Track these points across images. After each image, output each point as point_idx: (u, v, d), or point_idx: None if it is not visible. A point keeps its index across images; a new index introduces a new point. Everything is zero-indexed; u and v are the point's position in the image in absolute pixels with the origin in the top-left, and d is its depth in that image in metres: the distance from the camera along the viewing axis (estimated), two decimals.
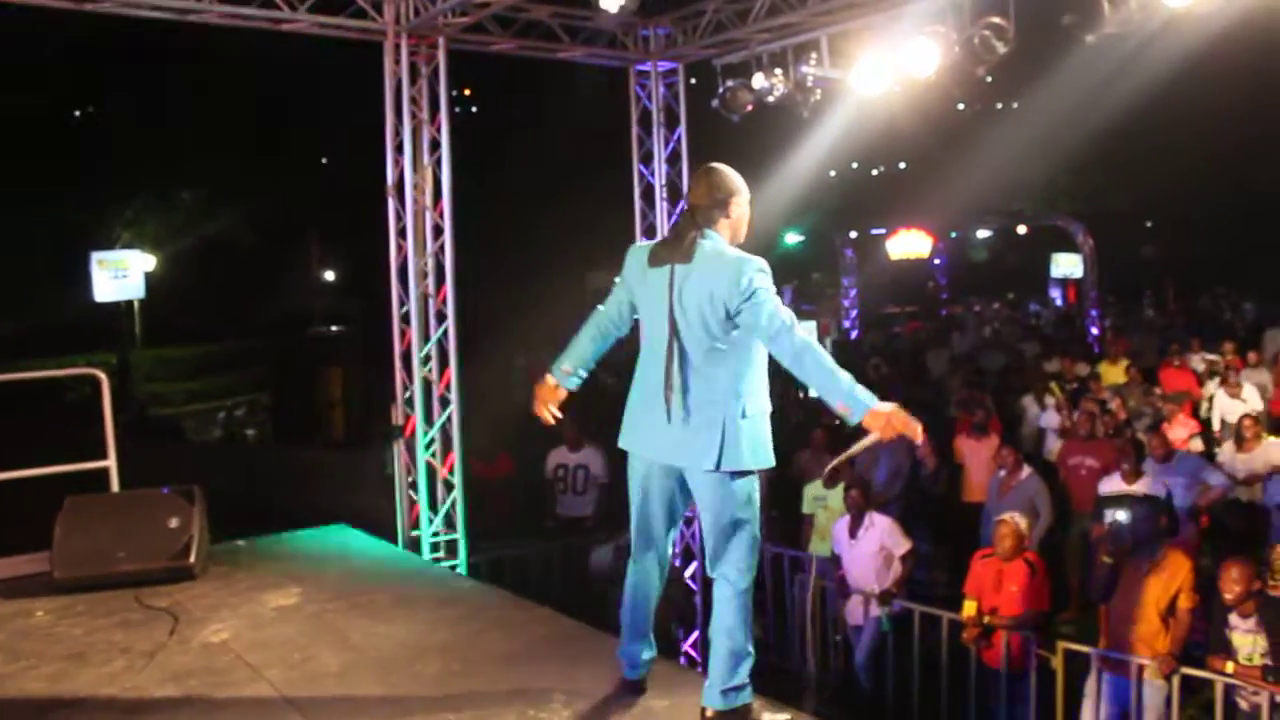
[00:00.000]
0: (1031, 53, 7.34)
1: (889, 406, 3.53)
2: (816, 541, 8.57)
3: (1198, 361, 13.88)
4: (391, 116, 7.98)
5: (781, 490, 9.55)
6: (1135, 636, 6.10)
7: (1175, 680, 5.98)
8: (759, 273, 3.71)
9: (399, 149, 7.99)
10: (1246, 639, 5.85)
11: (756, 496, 3.88)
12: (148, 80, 25.83)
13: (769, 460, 3.80)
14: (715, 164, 3.97)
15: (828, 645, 7.97)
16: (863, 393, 3.55)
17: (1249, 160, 25.33)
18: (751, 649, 3.90)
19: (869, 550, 7.50)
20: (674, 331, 3.82)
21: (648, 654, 4.31)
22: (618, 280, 4.19)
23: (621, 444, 4.17)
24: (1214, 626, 6.01)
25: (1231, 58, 15.13)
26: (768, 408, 3.84)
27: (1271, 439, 9.69)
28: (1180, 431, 10.08)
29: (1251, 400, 11.26)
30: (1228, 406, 11.31)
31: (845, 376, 3.56)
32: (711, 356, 3.77)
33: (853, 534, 7.57)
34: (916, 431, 3.53)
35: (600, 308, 4.31)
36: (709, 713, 3.87)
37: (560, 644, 5.11)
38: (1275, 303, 21.61)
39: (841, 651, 7.86)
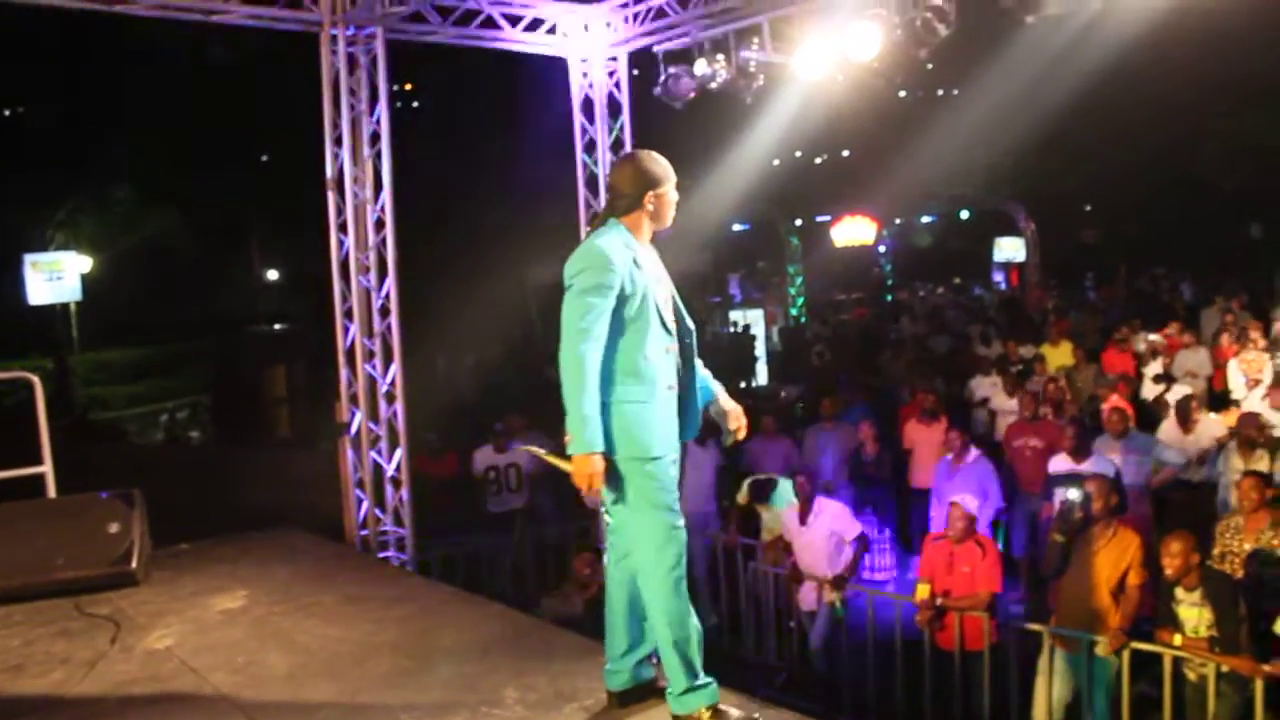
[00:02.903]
0: (972, 38, 7.37)
1: (595, 465, 3.60)
2: (766, 529, 8.58)
3: (1139, 342, 14.07)
4: (330, 109, 7.84)
5: (731, 477, 9.56)
6: (1087, 613, 6.15)
7: (1125, 655, 6.03)
8: (583, 269, 3.69)
9: (338, 142, 7.85)
10: (1192, 612, 5.92)
11: (649, 486, 3.75)
12: (76, 78, 25.29)
13: (638, 449, 3.71)
14: (638, 151, 3.98)
15: (782, 631, 7.97)
16: (592, 435, 3.59)
17: (1186, 145, 25.76)
18: (685, 633, 3.76)
19: (820, 536, 7.50)
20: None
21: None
22: None
23: None
24: (1161, 601, 6.08)
25: (1172, 44, 15.34)
26: (639, 397, 3.73)
27: (1211, 416, 9.85)
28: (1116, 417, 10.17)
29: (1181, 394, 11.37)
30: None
31: (589, 405, 3.58)
32: None
33: (803, 520, 7.57)
34: (585, 497, 3.61)
35: None
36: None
37: (512, 639, 5.06)
38: (1211, 283, 22.00)
39: (796, 637, 7.86)
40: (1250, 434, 7.98)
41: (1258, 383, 10.96)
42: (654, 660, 4.01)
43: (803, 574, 7.59)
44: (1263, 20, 16.09)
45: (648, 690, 4.06)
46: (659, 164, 3.91)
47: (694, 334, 4.01)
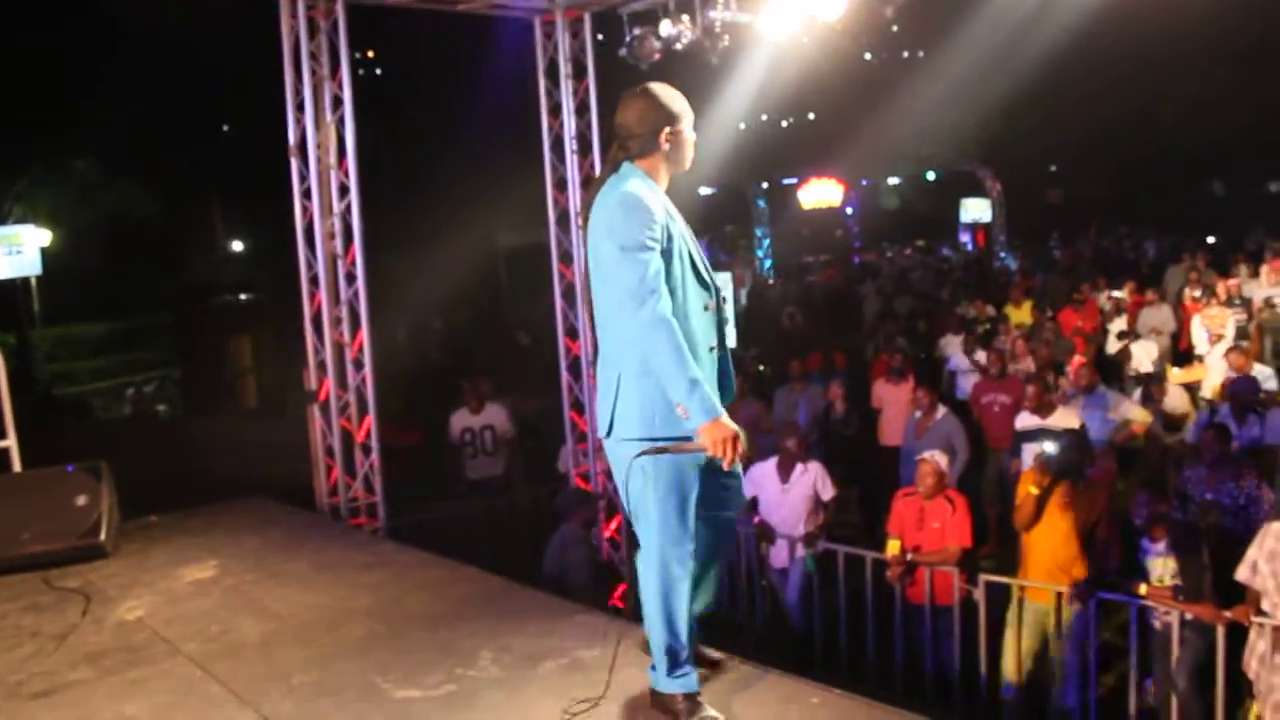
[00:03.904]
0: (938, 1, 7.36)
1: (728, 426, 3.21)
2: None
3: (1104, 300, 14.21)
4: (291, 74, 7.71)
5: None
6: (1055, 565, 6.24)
7: (1092, 605, 6.13)
8: (621, 222, 3.29)
9: (300, 108, 7.73)
10: (1158, 562, 6.03)
11: (669, 476, 3.39)
12: (30, 50, 24.79)
13: (678, 427, 3.30)
14: (648, 85, 3.54)
15: (754, 590, 8.03)
16: (706, 399, 3.21)
17: (1149, 105, 25.89)
18: (677, 638, 3.53)
19: (801, 495, 7.54)
20: (587, 282, 3.52)
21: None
22: None
23: None
24: (1127, 551, 6.18)
25: (1140, 8, 15.39)
26: None
27: (1175, 370, 9.99)
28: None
29: (1147, 348, 11.50)
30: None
31: (692, 369, 3.21)
32: (613, 309, 3.39)
33: (784, 479, 7.60)
34: (730, 460, 3.23)
35: None
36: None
37: (486, 601, 5.07)
38: (1175, 241, 22.20)
39: (767, 595, 7.92)
40: (1245, 398, 8.08)
41: (1220, 338, 11.12)
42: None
43: (774, 532, 7.63)
44: None
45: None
46: (673, 98, 3.52)
47: (719, 292, 3.61)
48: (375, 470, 7.88)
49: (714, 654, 3.97)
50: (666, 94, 3.51)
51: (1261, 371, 9.22)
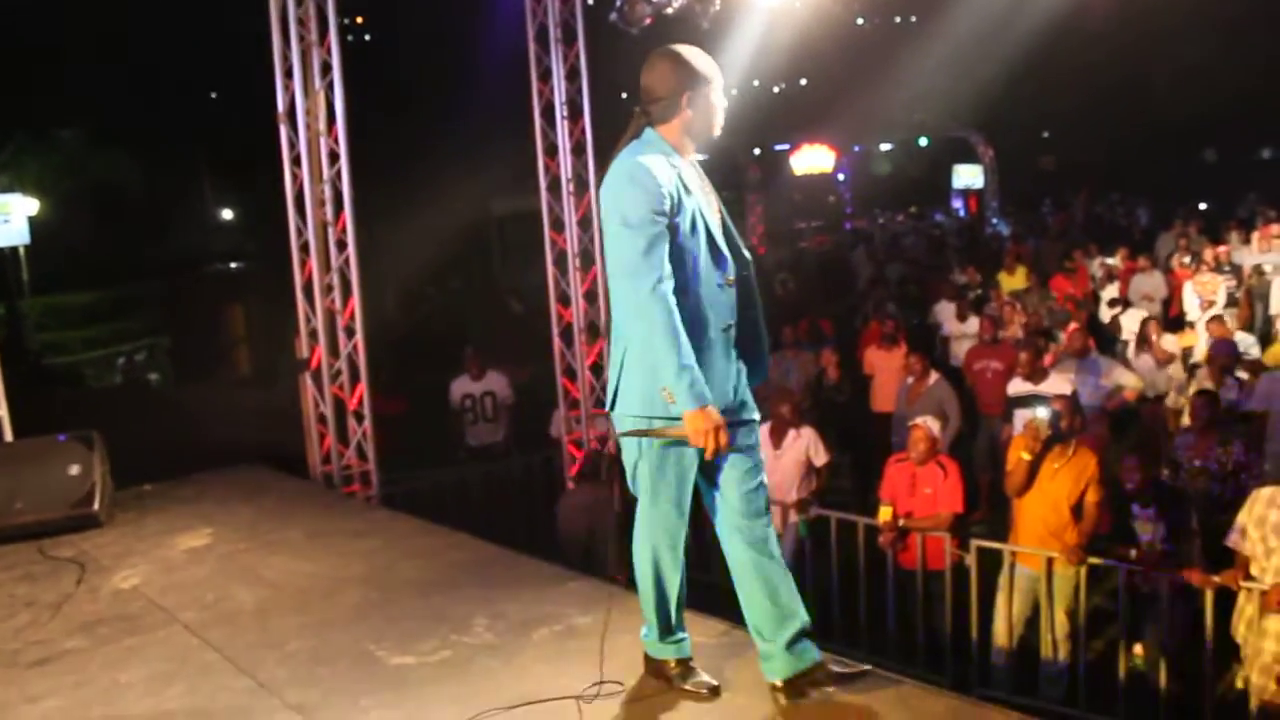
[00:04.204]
0: None
1: (712, 417, 3.10)
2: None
3: (1095, 267, 14.22)
4: (279, 40, 7.65)
5: None
6: (1047, 530, 6.27)
7: (1083, 570, 6.17)
8: (625, 193, 3.15)
9: (288, 74, 7.67)
10: (1147, 527, 6.06)
11: (664, 454, 3.31)
12: (14, 15, 24.52)
13: (671, 411, 3.18)
14: (674, 46, 3.35)
15: None
16: (693, 387, 3.09)
17: (1141, 72, 25.80)
18: (666, 604, 3.55)
19: (794, 461, 7.55)
20: (602, 253, 3.46)
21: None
22: None
23: None
24: (1117, 516, 6.21)
25: None
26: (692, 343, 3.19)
27: (1168, 337, 9.99)
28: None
29: (1138, 316, 11.51)
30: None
31: (683, 355, 3.08)
32: (613, 279, 3.27)
33: (777, 445, 7.61)
34: (711, 451, 3.14)
35: None
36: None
37: (479, 568, 5.09)
38: (1167, 207, 22.17)
39: None
40: (1223, 363, 8.09)
41: (1212, 304, 11.13)
42: (811, 633, 3.53)
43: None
44: None
45: (819, 675, 3.47)
46: (700, 59, 3.32)
47: (751, 265, 3.45)
48: (368, 438, 7.89)
49: (851, 667, 3.63)
50: (692, 55, 3.32)
51: (1244, 339, 9.23)
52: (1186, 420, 7.91)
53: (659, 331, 3.08)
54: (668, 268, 3.12)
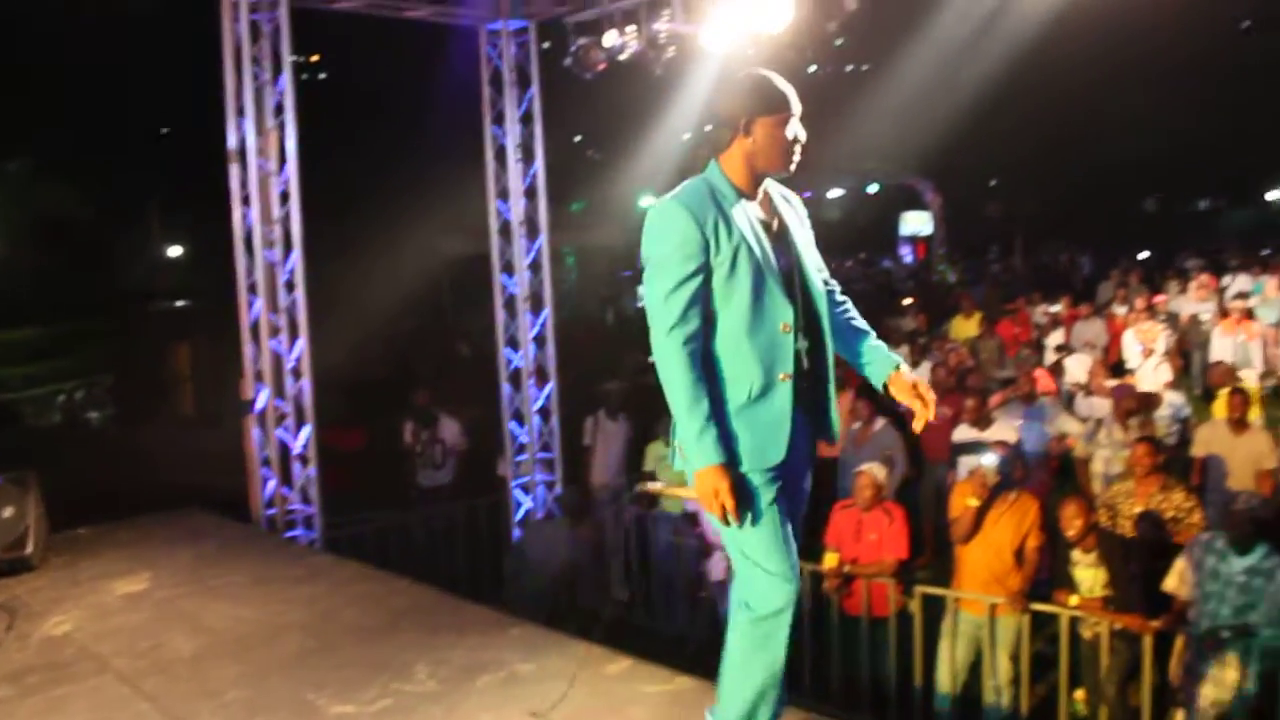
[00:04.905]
0: (882, 14, 7.45)
1: (724, 478, 2.88)
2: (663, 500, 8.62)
3: (1039, 314, 14.45)
4: (232, 78, 7.63)
5: (642, 450, 9.60)
6: (990, 576, 6.31)
7: (1025, 616, 6.22)
8: (655, 236, 2.94)
9: (240, 112, 7.66)
10: (1088, 573, 6.12)
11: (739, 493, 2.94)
12: None
13: (703, 460, 2.90)
14: (754, 70, 3.08)
15: (693, 603, 8.04)
16: (707, 443, 2.88)
17: (1088, 123, 26.39)
18: (758, 704, 3.25)
19: None
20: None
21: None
22: None
23: None
24: (1058, 563, 6.27)
25: (1075, 23, 15.70)
26: (737, 394, 2.96)
27: (1110, 384, 10.14)
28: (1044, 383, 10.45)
29: (1081, 361, 11.69)
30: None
31: (699, 410, 2.88)
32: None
33: None
34: (718, 515, 2.93)
35: None
36: None
37: (422, 614, 5.04)
38: (1110, 257, 22.64)
39: (707, 607, 7.93)
40: (1127, 405, 8.23)
41: (1152, 352, 11.32)
42: None
43: (711, 544, 7.65)
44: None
45: None
46: (770, 85, 3.03)
47: (833, 301, 3.18)
48: (313, 481, 7.80)
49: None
50: (763, 80, 3.04)
51: (1174, 399, 9.33)
52: (1098, 467, 8.03)
53: (671, 380, 2.90)
54: (693, 314, 2.90)
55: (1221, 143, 26.74)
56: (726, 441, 2.91)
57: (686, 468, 2.98)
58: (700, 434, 2.88)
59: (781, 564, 3.02)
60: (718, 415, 2.91)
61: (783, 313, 2.97)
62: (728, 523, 2.93)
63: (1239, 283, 14.70)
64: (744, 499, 2.93)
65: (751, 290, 2.93)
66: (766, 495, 2.98)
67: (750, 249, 2.94)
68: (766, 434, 2.96)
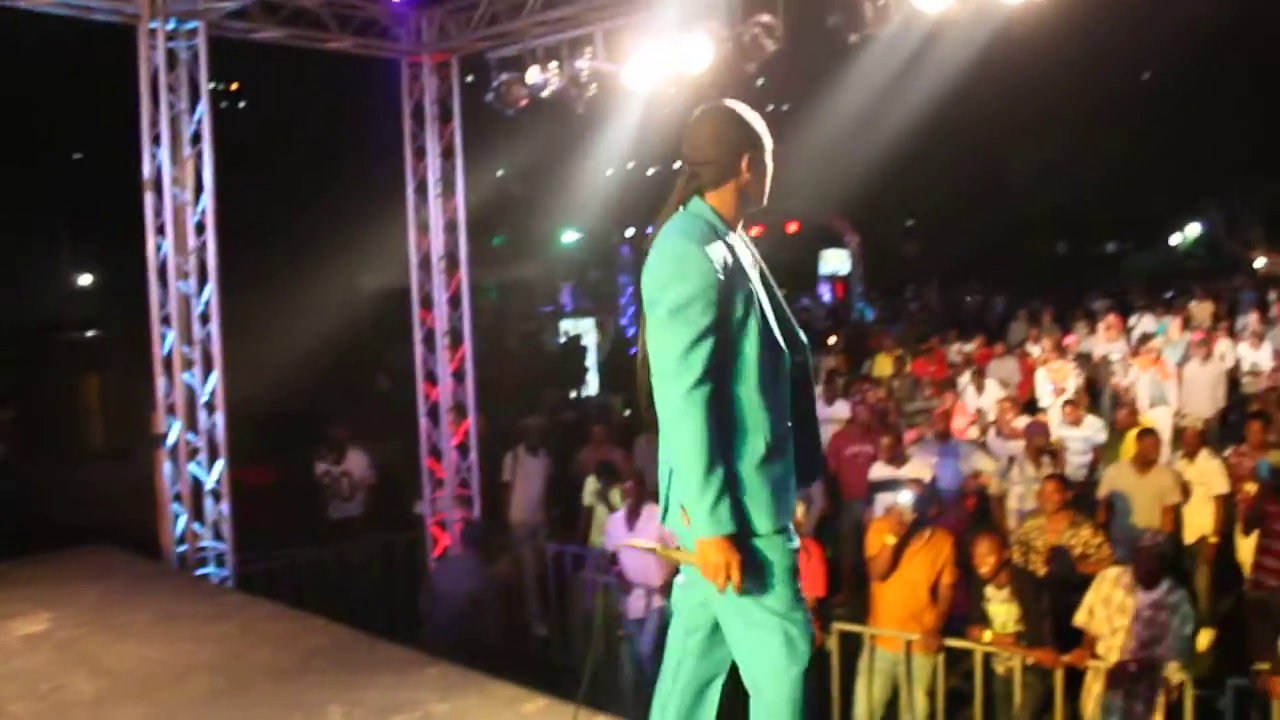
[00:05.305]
0: (803, 56, 7.59)
1: (732, 552, 2.69)
2: (596, 535, 8.61)
3: (954, 354, 14.72)
4: (148, 106, 7.51)
5: (561, 486, 9.57)
6: (907, 613, 6.38)
7: (940, 653, 6.29)
8: (670, 279, 2.72)
9: (156, 140, 7.53)
10: (1001, 608, 6.23)
11: (761, 562, 2.78)
12: None
13: (714, 529, 2.69)
14: (722, 103, 2.95)
15: (611, 640, 8.00)
16: (719, 510, 2.68)
17: (1001, 166, 27.13)
18: None
19: (651, 541, 7.53)
20: (643, 336, 2.84)
21: None
22: None
23: None
24: (972, 599, 6.37)
25: (989, 69, 16.17)
26: (750, 448, 2.75)
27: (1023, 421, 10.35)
28: (959, 420, 10.63)
29: (991, 392, 11.95)
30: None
31: (713, 471, 2.66)
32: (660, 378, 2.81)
33: (630, 526, 7.61)
34: (720, 587, 2.74)
35: None
36: None
37: (336, 654, 4.95)
38: (1022, 297, 23.18)
39: (624, 645, 7.90)
40: (1039, 443, 8.41)
41: (1063, 391, 11.59)
42: None
43: (631, 582, 7.63)
44: (1069, 50, 17.20)
45: None
46: (756, 118, 2.93)
47: (808, 350, 3.00)
48: (226, 518, 7.64)
49: None
50: (748, 113, 2.93)
51: (1093, 424, 9.63)
52: (1012, 504, 8.19)
53: (687, 441, 2.67)
54: (713, 369, 2.70)
55: (1127, 188, 27.68)
56: (739, 510, 2.72)
57: (687, 532, 2.77)
58: (716, 503, 2.67)
59: (806, 613, 2.90)
60: (733, 477, 2.71)
61: (782, 357, 2.85)
62: (722, 590, 2.74)
63: (1144, 323, 15.15)
64: (763, 564, 2.78)
65: (760, 335, 2.79)
66: (788, 548, 2.84)
67: (754, 292, 2.82)
68: (784, 487, 2.81)
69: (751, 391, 2.75)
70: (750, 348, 2.76)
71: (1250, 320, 14.78)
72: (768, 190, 2.97)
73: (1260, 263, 27.62)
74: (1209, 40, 18.42)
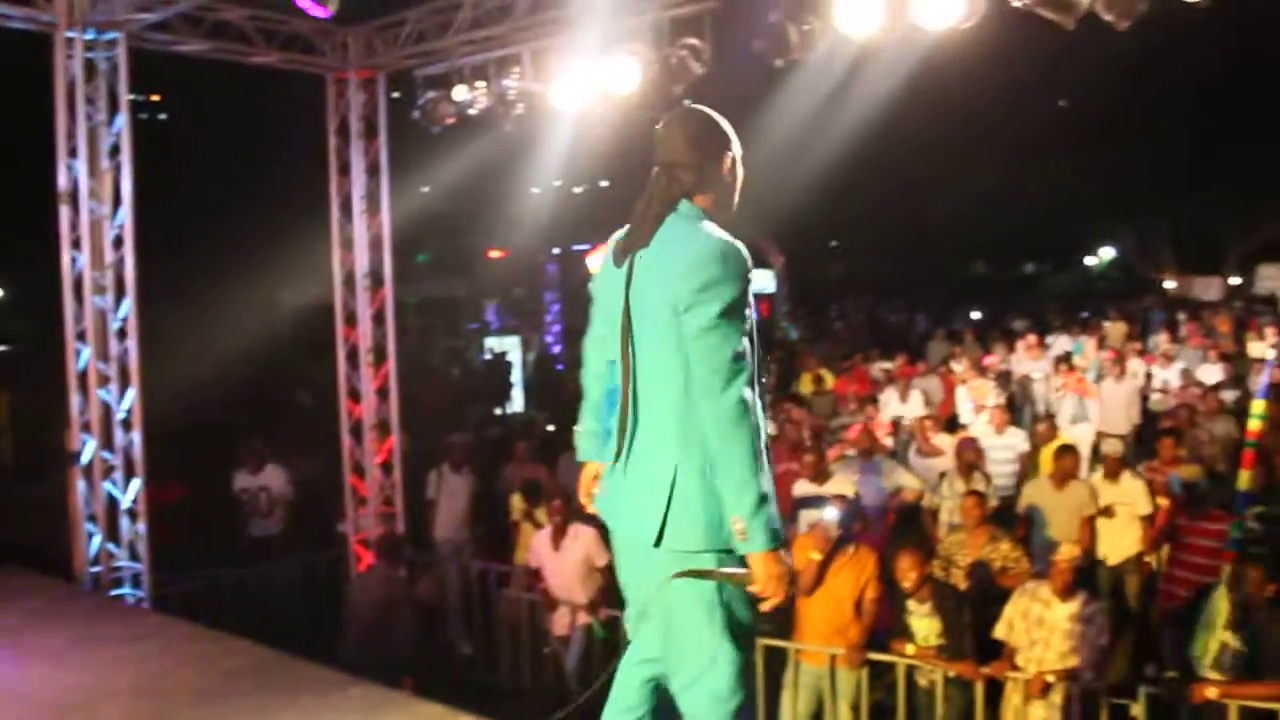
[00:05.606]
0: (730, 78, 7.68)
1: (787, 562, 2.62)
2: (522, 552, 8.57)
3: (877, 371, 14.94)
4: (64, 117, 7.35)
5: (486, 503, 9.52)
6: (830, 627, 6.46)
7: (864, 666, 6.37)
8: (719, 279, 2.62)
9: (72, 153, 7.38)
10: (923, 622, 6.33)
11: (736, 607, 2.69)
12: None
13: (767, 542, 2.59)
14: (696, 107, 2.90)
15: (537, 657, 7.97)
16: (773, 521, 2.59)
17: (923, 190, 27.64)
18: None
19: (573, 560, 7.54)
20: (628, 343, 2.73)
21: None
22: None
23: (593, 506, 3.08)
24: (895, 613, 6.46)
25: (915, 97, 16.46)
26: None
27: (944, 437, 10.54)
28: (880, 433, 10.79)
29: (915, 406, 12.16)
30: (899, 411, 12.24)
31: (766, 480, 2.59)
32: (662, 380, 2.71)
33: (556, 545, 7.60)
34: (776, 602, 2.64)
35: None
36: None
37: (256, 675, 4.88)
38: (943, 316, 23.65)
39: (550, 663, 7.88)
40: (969, 458, 8.58)
41: (984, 408, 11.81)
42: None
43: (556, 600, 7.61)
44: (992, 78, 17.65)
45: None
46: (726, 123, 2.88)
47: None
48: (142, 537, 7.48)
49: None
50: (720, 118, 2.88)
51: (1016, 433, 9.86)
52: (944, 517, 8.34)
53: (745, 450, 2.55)
54: (752, 372, 2.64)
55: (1045, 211, 28.38)
56: (778, 520, 2.62)
57: (744, 547, 2.60)
58: (770, 515, 2.58)
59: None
60: (692, 482, 2.64)
61: (763, 370, 2.78)
62: (776, 606, 2.66)
63: (1061, 343, 15.53)
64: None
65: (756, 347, 2.72)
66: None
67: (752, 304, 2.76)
68: (775, 495, 2.67)
69: (753, 394, 2.67)
70: (753, 354, 2.70)
71: (1160, 340, 15.23)
72: (737, 195, 2.92)
73: (1170, 284, 28.52)
74: (1125, 69, 19.00)
